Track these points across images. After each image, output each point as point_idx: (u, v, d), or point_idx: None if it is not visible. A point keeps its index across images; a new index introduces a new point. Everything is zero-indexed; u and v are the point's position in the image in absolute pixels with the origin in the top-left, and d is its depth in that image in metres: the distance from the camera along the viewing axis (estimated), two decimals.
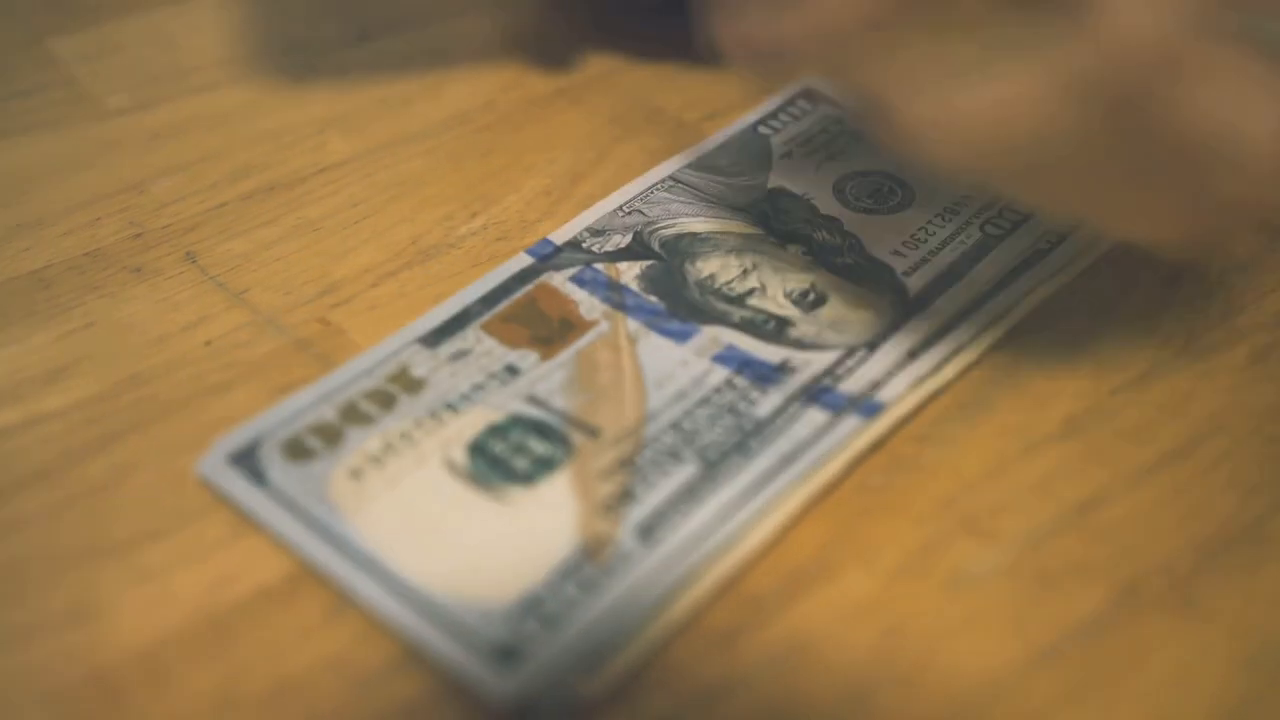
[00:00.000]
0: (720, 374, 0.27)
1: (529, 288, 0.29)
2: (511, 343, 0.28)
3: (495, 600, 0.23)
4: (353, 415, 0.26)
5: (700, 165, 0.33)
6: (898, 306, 0.29)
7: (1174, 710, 0.22)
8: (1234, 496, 0.25)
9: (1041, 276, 0.30)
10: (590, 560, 0.23)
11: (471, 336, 0.28)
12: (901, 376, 0.27)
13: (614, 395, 0.27)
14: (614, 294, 0.29)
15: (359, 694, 0.22)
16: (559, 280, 0.29)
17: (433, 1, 0.40)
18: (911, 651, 0.23)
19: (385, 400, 0.26)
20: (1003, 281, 0.30)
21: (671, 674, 0.22)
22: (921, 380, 0.27)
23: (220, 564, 0.24)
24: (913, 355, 0.28)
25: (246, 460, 0.25)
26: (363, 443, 0.25)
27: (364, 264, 0.31)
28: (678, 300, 0.29)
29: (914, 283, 0.30)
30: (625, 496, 0.25)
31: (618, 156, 0.34)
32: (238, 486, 0.25)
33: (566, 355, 0.28)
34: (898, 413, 0.27)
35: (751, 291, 0.29)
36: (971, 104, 0.23)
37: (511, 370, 0.27)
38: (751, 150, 0.34)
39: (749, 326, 0.28)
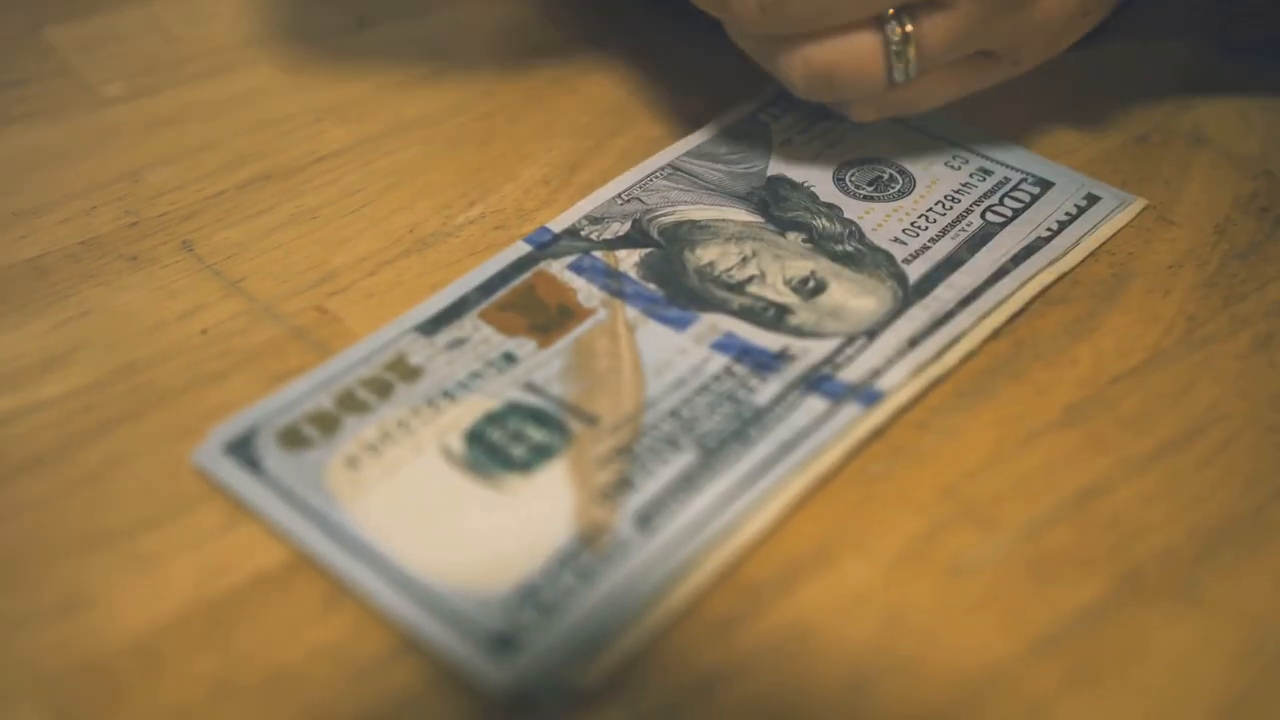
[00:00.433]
0: (719, 361, 0.27)
1: (527, 275, 0.29)
2: (509, 331, 0.28)
3: (492, 589, 0.23)
4: (350, 404, 0.26)
5: (700, 153, 0.33)
6: (898, 294, 0.29)
7: (1174, 699, 0.22)
8: (1235, 485, 0.25)
9: (1041, 264, 0.30)
10: (588, 548, 0.23)
11: (469, 325, 0.28)
12: (901, 364, 0.27)
13: (612, 383, 0.27)
14: (612, 281, 0.29)
15: (356, 683, 0.22)
16: (557, 268, 0.29)
17: None
18: (911, 640, 0.23)
19: (382, 389, 0.26)
20: (1003, 269, 0.29)
21: (670, 662, 0.22)
22: (921, 368, 0.27)
23: (216, 553, 0.24)
24: (913, 343, 0.28)
25: (243, 449, 0.25)
26: (359, 431, 0.25)
27: (361, 252, 0.31)
28: (677, 288, 0.29)
29: (914, 270, 0.29)
30: (623, 484, 0.24)
31: (616, 145, 0.34)
32: (234, 475, 0.25)
33: (564, 343, 0.27)
34: (897, 401, 0.26)
35: (751, 279, 0.29)
36: None
37: (509, 358, 0.27)
38: (751, 138, 0.34)
39: (748, 314, 0.28)
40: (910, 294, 0.29)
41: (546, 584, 0.23)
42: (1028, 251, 0.30)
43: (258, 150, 0.34)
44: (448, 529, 0.24)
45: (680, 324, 0.28)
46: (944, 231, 0.30)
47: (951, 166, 0.33)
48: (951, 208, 0.31)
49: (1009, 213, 0.31)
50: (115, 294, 0.29)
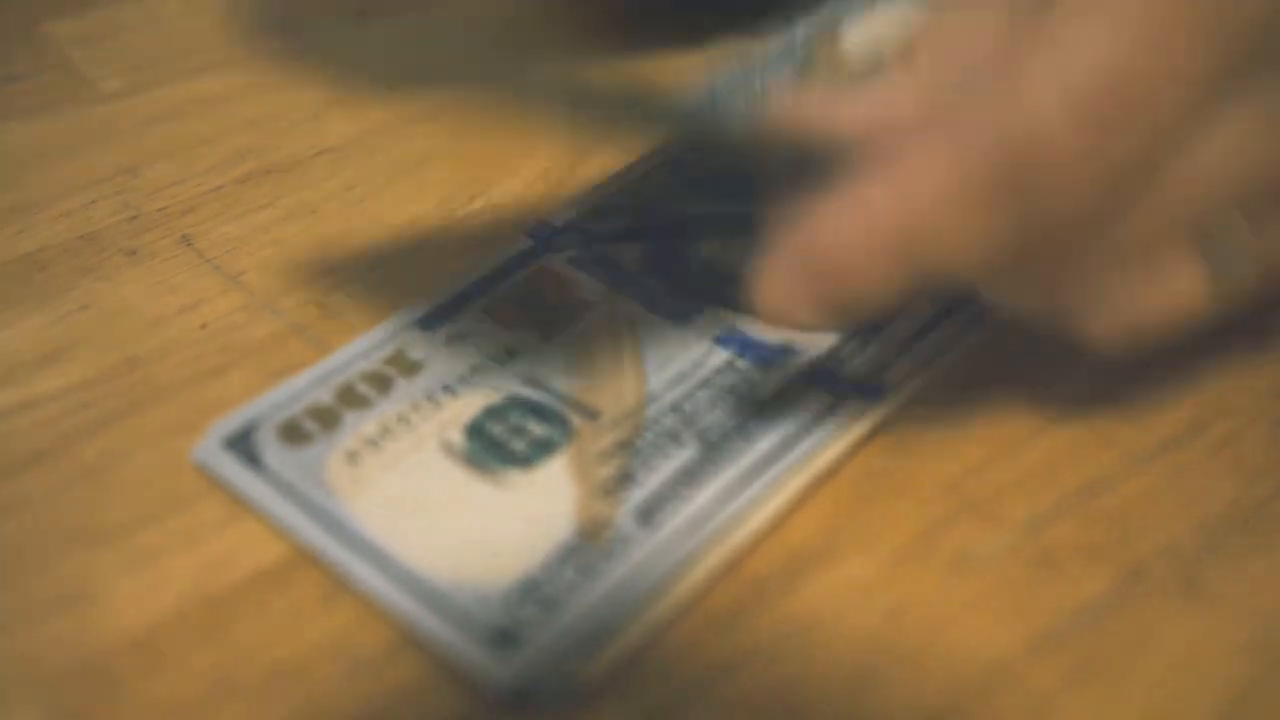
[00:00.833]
0: (721, 356, 0.27)
1: (528, 270, 0.29)
2: (510, 325, 0.28)
3: (493, 584, 0.23)
4: (349, 398, 0.26)
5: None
6: None
7: (1179, 694, 0.22)
8: (1239, 480, 0.25)
9: None
10: (589, 543, 0.23)
11: (469, 319, 0.28)
12: (905, 359, 0.27)
13: (613, 377, 0.26)
14: (614, 275, 0.29)
15: (356, 678, 0.22)
16: (558, 262, 0.29)
17: None
18: (914, 634, 0.23)
19: (382, 384, 0.26)
20: None
21: (672, 657, 0.22)
22: (925, 363, 0.27)
23: (216, 548, 0.24)
24: (917, 337, 0.27)
25: (242, 444, 0.25)
26: (359, 426, 0.25)
27: (362, 247, 0.30)
28: (679, 281, 0.29)
29: None
30: (624, 479, 0.24)
31: (618, 139, 0.34)
32: (233, 471, 0.24)
33: (566, 337, 0.27)
34: (901, 396, 0.26)
35: None
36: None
37: (510, 352, 0.27)
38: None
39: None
40: None
41: (547, 579, 0.23)
42: None
43: (257, 144, 0.34)
44: (448, 524, 0.24)
45: (683, 318, 0.28)
46: None
47: None
48: None
49: None
50: (114, 289, 0.29)
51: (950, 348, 0.27)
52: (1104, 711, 0.22)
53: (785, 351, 0.27)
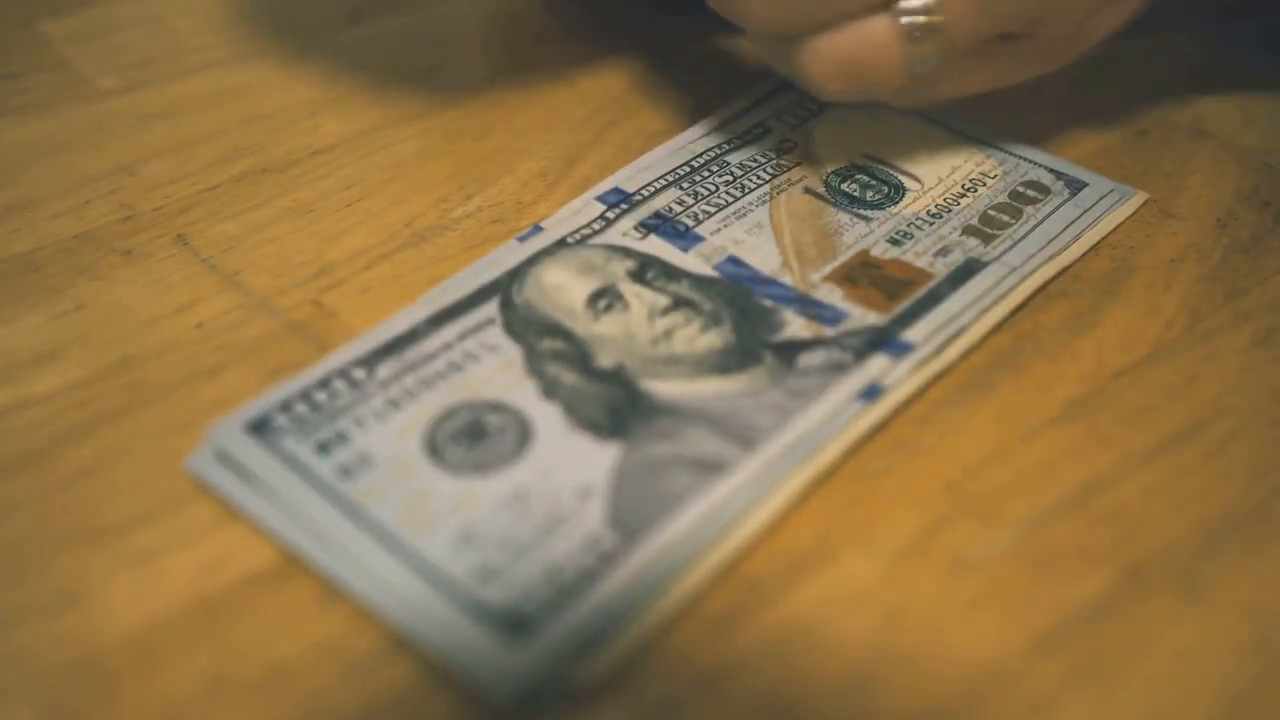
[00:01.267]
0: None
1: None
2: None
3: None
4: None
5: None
6: None
7: (1179, 694, 0.22)
8: (1238, 480, 0.25)
9: (1043, 259, 0.29)
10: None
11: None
12: (904, 360, 0.27)
13: None
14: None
15: (352, 679, 0.22)
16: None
17: None
18: (913, 636, 0.23)
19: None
20: (1005, 263, 0.29)
21: (671, 658, 0.22)
22: (922, 363, 0.27)
23: (212, 548, 0.24)
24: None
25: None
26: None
27: (357, 246, 0.30)
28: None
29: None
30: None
31: (614, 138, 0.34)
32: (229, 482, 0.24)
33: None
34: (898, 396, 0.26)
35: None
36: None
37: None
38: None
39: None
40: None
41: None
42: (1030, 245, 0.30)
43: (253, 143, 0.34)
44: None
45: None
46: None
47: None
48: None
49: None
50: (110, 288, 0.29)
51: (947, 348, 0.27)
52: (1103, 712, 0.22)
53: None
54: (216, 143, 0.34)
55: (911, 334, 0.27)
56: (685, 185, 0.31)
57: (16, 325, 0.28)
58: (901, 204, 0.31)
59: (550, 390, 0.26)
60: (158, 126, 0.34)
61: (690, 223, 0.30)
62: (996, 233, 0.30)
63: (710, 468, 0.24)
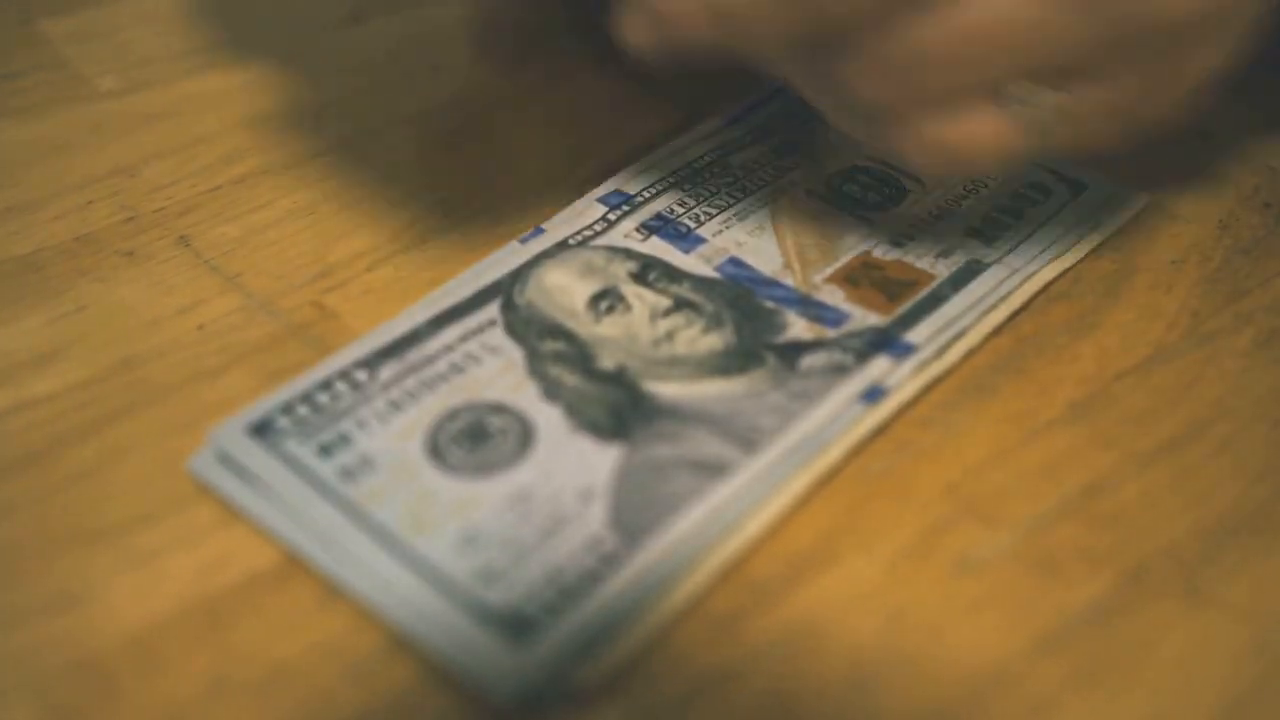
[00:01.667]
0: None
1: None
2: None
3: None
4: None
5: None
6: None
7: (1180, 696, 0.22)
8: (1239, 482, 0.25)
9: (1044, 260, 0.29)
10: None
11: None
12: (906, 362, 0.27)
13: None
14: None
15: (353, 680, 0.22)
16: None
17: None
18: (914, 637, 0.23)
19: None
20: (1007, 265, 0.29)
21: (674, 659, 0.22)
22: (924, 365, 0.27)
23: (214, 548, 0.24)
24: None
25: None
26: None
27: (359, 248, 0.30)
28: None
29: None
30: None
31: (617, 140, 0.34)
32: (229, 484, 0.24)
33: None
34: (900, 397, 0.26)
35: None
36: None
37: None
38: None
39: None
40: None
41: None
42: (1032, 247, 0.30)
43: (254, 144, 0.34)
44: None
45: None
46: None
47: None
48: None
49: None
50: (111, 289, 0.29)
51: (948, 350, 0.27)
52: (1104, 714, 0.22)
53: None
54: (217, 144, 0.34)
55: (914, 335, 0.27)
56: (687, 187, 0.31)
57: (17, 326, 0.28)
58: (903, 205, 0.31)
59: (552, 392, 0.26)
60: (159, 127, 0.34)
61: (692, 224, 0.30)
62: (999, 234, 0.30)
63: (712, 469, 0.24)
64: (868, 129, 0.27)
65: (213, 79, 0.36)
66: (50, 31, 0.38)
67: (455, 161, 0.33)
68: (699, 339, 0.27)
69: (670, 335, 0.27)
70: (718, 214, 0.31)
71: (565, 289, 0.28)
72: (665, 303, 0.28)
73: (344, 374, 0.26)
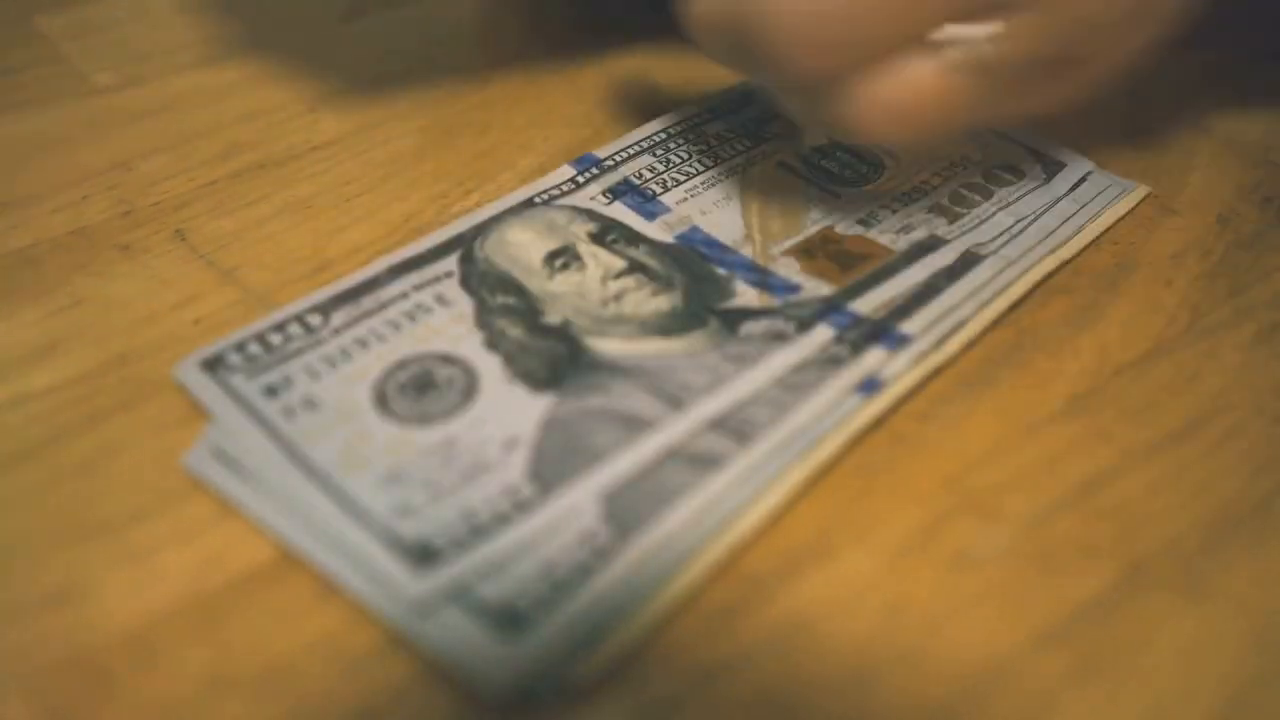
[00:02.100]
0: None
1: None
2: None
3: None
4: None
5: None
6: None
7: (1181, 690, 0.22)
8: (1240, 476, 0.25)
9: (1043, 252, 0.29)
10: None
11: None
12: (902, 354, 0.27)
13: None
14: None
15: (350, 677, 0.22)
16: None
17: None
18: (913, 631, 0.22)
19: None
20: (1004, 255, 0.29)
21: (670, 654, 0.22)
22: (922, 357, 0.27)
23: (209, 545, 0.24)
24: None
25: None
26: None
27: (356, 242, 0.30)
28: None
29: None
30: None
31: (614, 133, 0.34)
32: (225, 479, 0.24)
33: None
34: (898, 390, 0.26)
35: None
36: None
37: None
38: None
39: None
40: None
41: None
42: (1028, 238, 0.30)
43: (251, 139, 0.34)
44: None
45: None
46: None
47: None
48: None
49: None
50: (107, 284, 0.29)
51: (947, 343, 0.27)
52: (1105, 709, 0.21)
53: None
54: (214, 138, 0.34)
55: (909, 326, 0.27)
56: (658, 152, 0.32)
57: (13, 321, 0.28)
58: (877, 183, 0.31)
59: (493, 342, 0.26)
60: (155, 122, 0.34)
61: (658, 189, 0.30)
62: (963, 211, 0.30)
63: (637, 424, 0.25)
64: (811, 106, 0.27)
65: (209, 74, 0.36)
66: (47, 27, 0.38)
67: (452, 155, 0.33)
68: (647, 301, 0.27)
69: (619, 296, 0.27)
70: (685, 181, 0.31)
71: (524, 244, 0.28)
72: (619, 264, 0.28)
73: (298, 317, 0.27)
